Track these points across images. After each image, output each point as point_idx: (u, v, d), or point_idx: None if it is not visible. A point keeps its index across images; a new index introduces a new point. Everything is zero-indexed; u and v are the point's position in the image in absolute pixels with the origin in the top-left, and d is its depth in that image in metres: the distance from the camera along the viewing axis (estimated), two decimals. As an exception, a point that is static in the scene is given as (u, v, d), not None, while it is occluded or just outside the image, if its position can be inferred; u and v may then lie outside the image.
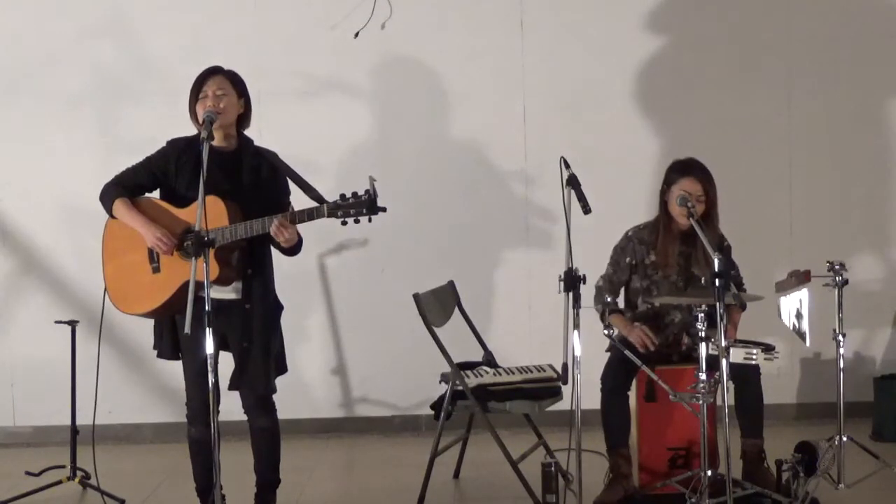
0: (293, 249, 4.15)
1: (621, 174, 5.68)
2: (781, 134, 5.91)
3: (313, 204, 3.99)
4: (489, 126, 5.91)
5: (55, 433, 5.77)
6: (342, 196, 3.95)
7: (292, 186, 4.18)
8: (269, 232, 3.98)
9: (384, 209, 3.95)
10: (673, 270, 4.62)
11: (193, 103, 4.12)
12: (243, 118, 4.22)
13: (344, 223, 3.95)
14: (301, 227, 4.07)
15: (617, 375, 4.58)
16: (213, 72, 4.16)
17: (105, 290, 4.19)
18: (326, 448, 5.82)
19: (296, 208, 4.07)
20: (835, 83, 5.88)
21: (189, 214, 4.03)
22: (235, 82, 4.17)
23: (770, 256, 5.68)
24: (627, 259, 4.68)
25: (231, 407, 4.25)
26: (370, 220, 3.96)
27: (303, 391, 5.91)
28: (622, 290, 4.77)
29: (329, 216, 3.95)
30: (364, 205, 3.92)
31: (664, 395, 4.31)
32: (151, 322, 4.26)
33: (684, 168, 4.59)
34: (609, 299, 4.67)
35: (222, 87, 4.11)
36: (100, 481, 4.64)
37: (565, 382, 3.92)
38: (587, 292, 4.44)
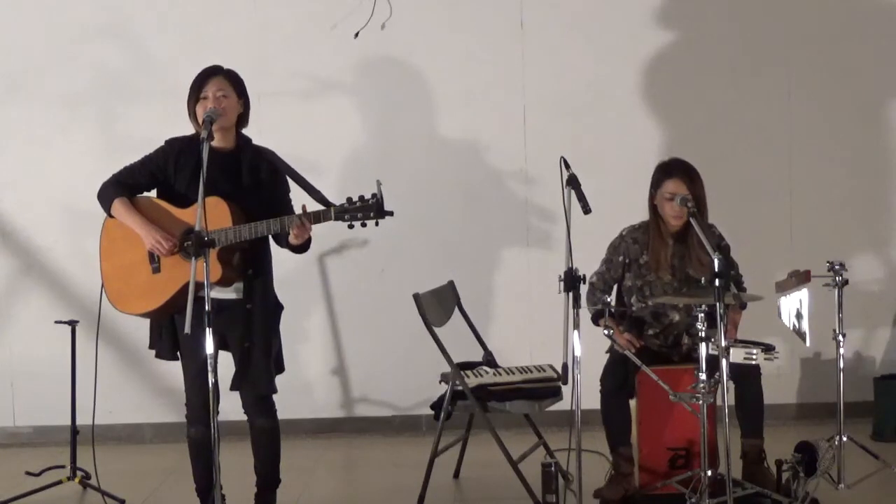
0: (302, 247, 4.15)
1: (621, 174, 5.68)
2: (781, 134, 5.90)
3: (317, 205, 3.99)
4: (489, 126, 5.91)
5: (55, 433, 5.77)
6: (349, 199, 3.94)
7: (292, 186, 4.18)
8: (274, 233, 3.99)
9: (391, 213, 3.95)
10: (666, 273, 4.62)
11: (193, 104, 4.11)
12: (242, 118, 4.21)
13: (350, 226, 3.95)
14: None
15: (617, 375, 4.59)
16: (213, 72, 4.14)
17: (102, 289, 4.19)
18: (326, 448, 5.82)
19: (297, 208, 4.07)
20: (835, 83, 5.88)
21: (190, 215, 4.01)
22: (235, 82, 4.16)
23: (770, 256, 5.67)
24: (621, 258, 4.68)
25: (231, 407, 4.24)
26: (377, 224, 3.95)
27: (303, 391, 5.91)
28: (615, 288, 4.78)
29: (336, 219, 3.95)
30: (372, 209, 3.92)
31: (665, 395, 4.30)
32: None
33: (667, 169, 4.60)
34: (607, 299, 4.66)
35: (222, 87, 4.10)
36: (100, 481, 4.64)
37: (565, 382, 3.92)
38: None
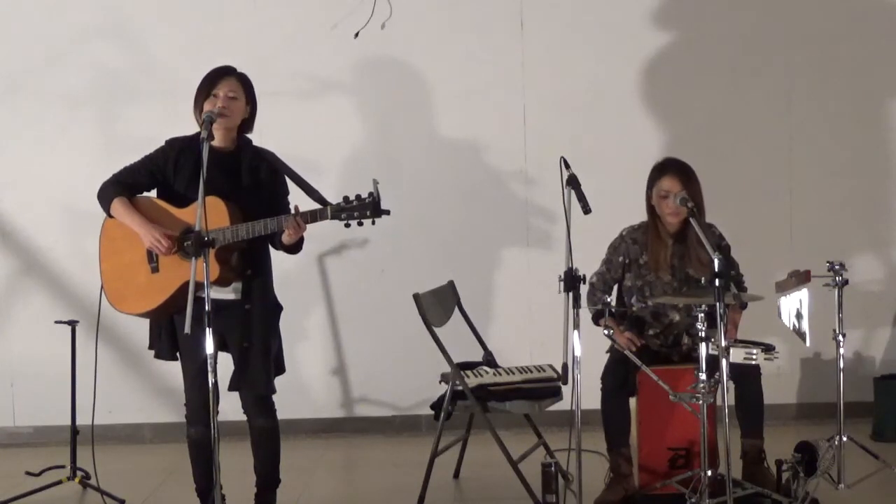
0: (295, 247, 4.15)
1: (621, 174, 5.67)
2: (781, 134, 5.91)
3: (315, 204, 3.99)
4: (489, 126, 5.91)
5: (55, 433, 5.77)
6: (346, 198, 3.94)
7: (291, 186, 4.18)
8: (271, 232, 3.99)
9: (388, 212, 3.95)
10: (666, 273, 4.62)
11: (202, 100, 4.10)
12: (247, 122, 4.21)
13: (347, 225, 3.95)
14: (303, 227, 4.06)
15: (617, 375, 4.59)
16: (227, 73, 4.13)
17: (101, 289, 4.19)
18: (326, 448, 5.82)
19: (294, 208, 4.07)
20: (835, 83, 5.88)
21: (189, 214, 4.02)
22: (246, 86, 4.16)
23: (770, 256, 5.67)
24: (620, 258, 4.69)
25: (231, 407, 4.24)
26: (373, 223, 3.96)
27: (303, 391, 5.91)
28: (615, 288, 4.78)
29: (333, 218, 3.95)
30: (368, 207, 3.92)
31: (665, 395, 4.30)
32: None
33: (662, 168, 4.62)
34: (607, 299, 4.66)
35: (234, 90, 4.10)
36: (100, 481, 4.64)
37: (565, 382, 3.92)
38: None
